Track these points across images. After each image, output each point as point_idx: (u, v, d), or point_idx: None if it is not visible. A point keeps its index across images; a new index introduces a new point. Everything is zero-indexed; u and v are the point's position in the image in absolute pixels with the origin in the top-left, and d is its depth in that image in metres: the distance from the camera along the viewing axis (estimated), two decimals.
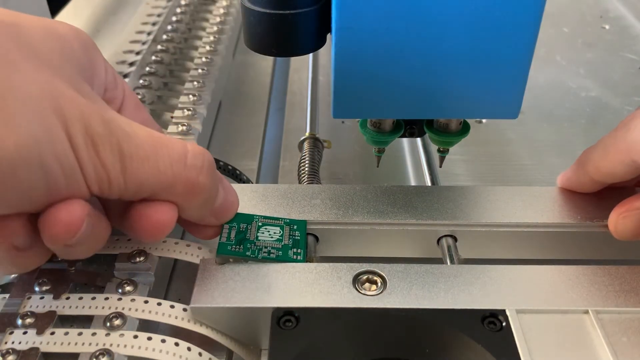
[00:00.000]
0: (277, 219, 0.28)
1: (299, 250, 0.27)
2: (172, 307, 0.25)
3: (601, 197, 0.30)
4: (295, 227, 0.28)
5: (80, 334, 0.23)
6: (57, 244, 0.21)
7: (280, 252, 0.26)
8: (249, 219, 0.28)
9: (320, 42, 0.27)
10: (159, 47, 0.43)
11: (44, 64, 0.21)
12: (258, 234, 0.27)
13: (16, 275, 0.26)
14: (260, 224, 0.28)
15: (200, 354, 0.23)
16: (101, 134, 0.20)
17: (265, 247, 0.26)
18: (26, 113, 0.19)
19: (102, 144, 0.20)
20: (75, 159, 0.20)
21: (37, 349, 0.23)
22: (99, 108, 0.21)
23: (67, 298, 0.25)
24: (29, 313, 0.24)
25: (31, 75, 0.20)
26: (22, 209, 0.20)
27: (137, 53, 0.43)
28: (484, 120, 0.46)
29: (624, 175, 0.27)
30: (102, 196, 0.22)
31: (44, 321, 0.24)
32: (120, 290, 0.25)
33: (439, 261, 0.28)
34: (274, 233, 0.27)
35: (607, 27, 0.61)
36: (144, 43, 0.44)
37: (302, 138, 0.38)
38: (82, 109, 0.20)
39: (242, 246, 0.26)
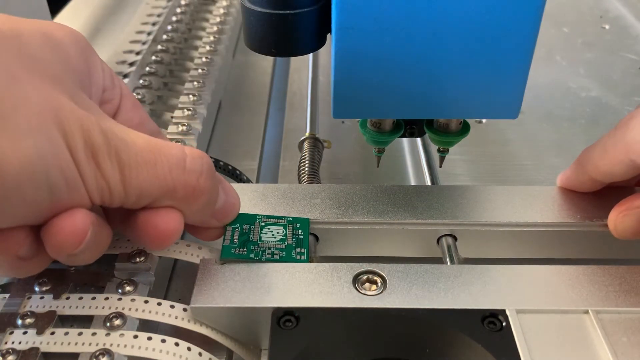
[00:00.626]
0: (280, 217, 0.28)
1: (302, 250, 0.27)
2: (172, 307, 0.25)
3: (601, 196, 0.30)
4: (298, 225, 0.28)
5: (80, 334, 0.23)
6: (61, 254, 0.21)
7: (284, 253, 0.26)
8: (251, 219, 0.28)
9: (320, 42, 0.27)
10: (159, 47, 0.43)
11: (44, 76, 0.21)
12: (261, 235, 0.27)
13: None
14: (263, 224, 0.28)
15: (200, 354, 0.23)
16: (100, 145, 0.21)
17: (269, 249, 0.26)
18: (30, 128, 0.19)
19: (102, 155, 0.21)
20: (78, 172, 0.20)
21: (37, 349, 0.23)
22: (96, 118, 0.21)
23: (67, 298, 0.25)
24: (29, 313, 0.24)
25: (33, 89, 0.20)
26: (26, 222, 0.20)
27: (137, 53, 0.43)
28: (484, 120, 0.46)
29: (623, 174, 0.27)
30: (104, 205, 0.22)
31: (44, 321, 0.24)
32: (120, 290, 0.25)
33: (439, 260, 0.28)
34: (277, 233, 0.27)
35: (607, 27, 0.61)
36: (144, 43, 0.45)
37: (302, 138, 0.38)
38: (81, 120, 0.20)
39: (245, 248, 0.26)
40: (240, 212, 0.28)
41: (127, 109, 0.27)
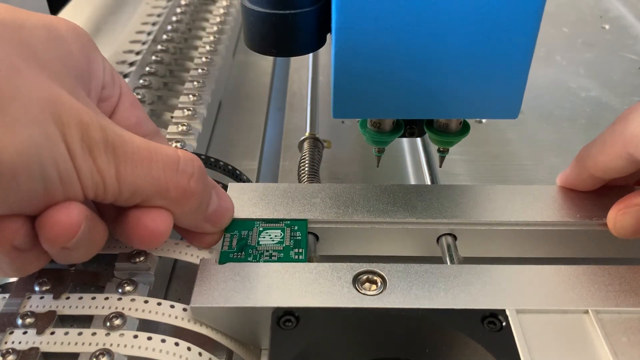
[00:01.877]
0: (278, 221, 0.28)
1: (300, 250, 0.27)
2: (172, 307, 0.25)
3: (600, 195, 0.30)
4: (296, 227, 0.28)
5: (80, 333, 0.23)
6: (55, 246, 0.21)
7: (282, 254, 0.26)
8: (249, 225, 0.28)
9: (320, 42, 0.27)
10: (159, 47, 0.43)
11: (44, 70, 0.21)
12: (259, 239, 0.27)
13: None
14: (261, 229, 0.28)
15: (200, 354, 0.23)
16: (97, 140, 0.21)
17: (267, 251, 0.26)
18: (28, 119, 0.19)
19: (98, 150, 0.21)
20: (73, 165, 0.20)
21: (37, 348, 0.23)
22: (95, 115, 0.21)
23: (67, 298, 0.25)
24: (29, 313, 0.24)
25: (33, 82, 0.20)
26: (20, 211, 0.20)
27: (137, 53, 0.43)
28: (484, 120, 0.46)
29: (621, 169, 0.27)
30: (97, 200, 0.22)
31: (44, 321, 0.24)
32: (120, 290, 0.25)
33: (439, 260, 0.28)
34: (275, 236, 0.27)
35: (607, 27, 0.61)
36: (144, 43, 0.45)
37: (302, 138, 0.38)
38: (80, 115, 0.20)
39: (243, 252, 0.26)
40: (240, 215, 0.28)
41: (125, 108, 0.27)
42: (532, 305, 0.24)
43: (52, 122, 0.20)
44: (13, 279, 0.26)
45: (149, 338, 0.23)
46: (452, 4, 0.24)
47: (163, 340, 0.23)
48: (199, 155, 0.33)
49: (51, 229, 0.20)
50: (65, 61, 0.23)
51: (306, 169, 0.35)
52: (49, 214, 0.20)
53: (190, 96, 0.38)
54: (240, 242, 0.27)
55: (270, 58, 0.54)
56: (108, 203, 0.22)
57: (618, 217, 0.27)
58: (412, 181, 0.41)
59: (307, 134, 0.39)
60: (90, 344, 0.23)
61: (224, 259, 0.26)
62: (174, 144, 0.34)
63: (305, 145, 0.37)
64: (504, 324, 0.23)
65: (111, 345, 0.23)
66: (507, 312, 0.23)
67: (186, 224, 0.25)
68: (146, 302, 0.25)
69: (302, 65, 0.54)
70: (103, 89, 0.26)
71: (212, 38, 0.46)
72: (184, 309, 0.25)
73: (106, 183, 0.21)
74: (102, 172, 0.21)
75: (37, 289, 0.25)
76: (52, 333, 0.23)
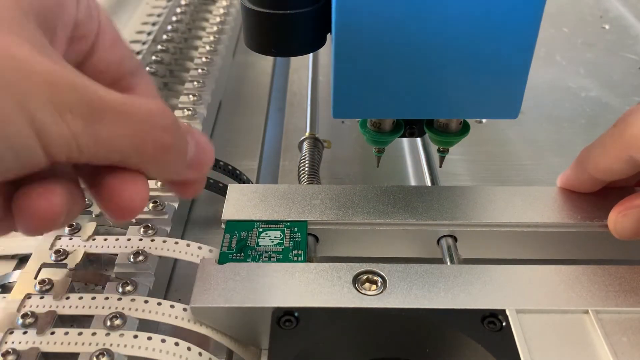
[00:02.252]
0: (278, 222, 0.28)
1: (299, 252, 0.27)
2: (172, 307, 0.25)
3: (601, 197, 0.30)
4: (295, 229, 0.28)
5: (80, 334, 0.23)
6: (32, 233, 0.20)
7: (281, 256, 0.26)
8: (249, 226, 0.28)
9: (320, 42, 0.27)
10: (159, 47, 0.43)
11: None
12: (259, 240, 0.27)
13: (16, 274, 0.26)
14: (260, 229, 0.28)
15: (200, 354, 0.23)
16: (69, 102, 0.18)
17: (266, 252, 0.26)
18: None
19: (71, 113, 0.18)
20: (37, 137, 0.18)
21: (37, 349, 0.23)
22: (63, 70, 0.19)
23: (67, 298, 0.25)
24: (29, 313, 0.24)
25: None
26: None
27: (137, 53, 0.43)
28: (484, 120, 0.46)
29: (622, 172, 0.27)
30: (70, 162, 0.20)
31: (44, 321, 0.24)
32: (120, 290, 0.25)
33: (439, 261, 0.28)
34: (275, 237, 0.27)
35: (607, 27, 0.61)
36: (144, 43, 0.45)
37: (302, 138, 0.38)
38: (46, 76, 0.18)
39: (242, 253, 0.26)
40: (239, 216, 0.28)
41: (105, 48, 0.24)
42: (532, 305, 0.24)
43: (7, 91, 0.17)
44: (13, 279, 0.26)
45: (149, 338, 0.23)
46: (452, 4, 0.24)
47: (163, 340, 0.23)
48: None
49: (32, 217, 0.19)
50: (23, 2, 0.19)
51: (306, 169, 0.35)
52: (27, 200, 0.19)
53: (190, 96, 0.38)
54: (239, 243, 0.27)
55: (270, 58, 0.54)
56: (82, 163, 0.20)
57: (618, 218, 0.27)
58: (412, 181, 0.41)
59: (307, 134, 0.39)
60: (90, 344, 0.23)
61: (223, 259, 0.26)
62: None
63: (305, 145, 0.37)
64: (504, 324, 0.23)
65: (111, 345, 0.23)
66: (507, 312, 0.23)
67: (170, 177, 0.23)
68: (146, 302, 0.25)
69: (302, 65, 0.54)
70: (76, 27, 0.23)
71: (212, 38, 0.46)
72: (184, 309, 0.25)
73: (81, 145, 0.19)
74: (76, 135, 0.19)
75: (37, 289, 0.25)
76: (52, 333, 0.23)
